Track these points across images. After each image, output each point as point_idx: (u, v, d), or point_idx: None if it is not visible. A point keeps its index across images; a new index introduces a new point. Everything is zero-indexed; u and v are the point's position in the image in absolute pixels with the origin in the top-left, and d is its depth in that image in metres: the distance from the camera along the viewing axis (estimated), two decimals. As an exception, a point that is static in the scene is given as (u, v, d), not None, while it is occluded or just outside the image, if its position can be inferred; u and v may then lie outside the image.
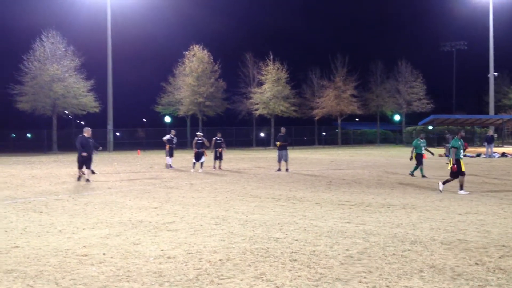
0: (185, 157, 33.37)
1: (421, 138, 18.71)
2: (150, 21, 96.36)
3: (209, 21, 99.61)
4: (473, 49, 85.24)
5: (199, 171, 21.07)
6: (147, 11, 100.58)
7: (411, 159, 18.42)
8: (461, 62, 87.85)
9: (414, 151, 18.36)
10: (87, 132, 17.00)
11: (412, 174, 18.27)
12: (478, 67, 73.73)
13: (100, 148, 22.17)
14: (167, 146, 23.57)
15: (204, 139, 21.75)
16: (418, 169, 18.20)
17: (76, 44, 54.38)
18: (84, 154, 16.53)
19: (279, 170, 20.87)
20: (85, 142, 16.68)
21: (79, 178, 17.13)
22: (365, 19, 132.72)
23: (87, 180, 16.70)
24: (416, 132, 56.63)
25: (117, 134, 65.86)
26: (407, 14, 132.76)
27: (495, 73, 61.04)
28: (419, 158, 18.18)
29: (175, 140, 23.95)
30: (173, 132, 24.12)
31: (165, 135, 24.10)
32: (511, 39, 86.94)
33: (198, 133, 22.33)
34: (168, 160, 23.78)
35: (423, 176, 17.71)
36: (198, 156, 21.34)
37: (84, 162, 16.80)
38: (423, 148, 18.40)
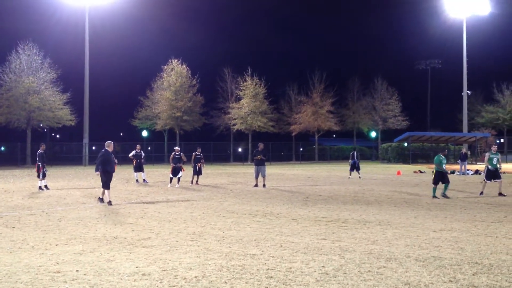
0: (162, 172, 33.14)
1: (443, 155, 17.45)
2: (129, 35, 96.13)
3: (188, 36, 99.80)
4: (447, 68, 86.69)
5: (176, 186, 20.95)
6: (125, 24, 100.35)
7: (437, 180, 16.73)
8: (436, 80, 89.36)
9: (435, 169, 16.97)
10: (109, 146, 14.82)
11: (445, 195, 16.54)
12: (452, 85, 74.92)
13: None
14: (134, 161, 23.75)
15: (181, 154, 21.71)
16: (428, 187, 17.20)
17: (53, 57, 53.81)
18: (97, 173, 14.66)
19: (256, 185, 20.86)
20: (107, 158, 14.49)
21: (101, 200, 14.72)
22: (342, 36, 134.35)
23: (109, 203, 14.22)
24: (391, 149, 57.29)
25: (93, 148, 65.11)
26: (383, 32, 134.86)
27: (469, 92, 62.16)
28: (442, 176, 16.72)
29: (142, 155, 24.09)
30: (138, 146, 24.19)
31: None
32: (485, 59, 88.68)
33: (176, 148, 22.40)
34: (135, 175, 23.91)
35: (444, 195, 16.47)
36: (175, 171, 21.24)
37: (107, 181, 14.56)
38: (444, 165, 17.02)
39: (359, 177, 27.25)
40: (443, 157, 17.18)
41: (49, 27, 70.07)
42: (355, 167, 27.81)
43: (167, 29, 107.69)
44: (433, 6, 63.39)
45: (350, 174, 28.14)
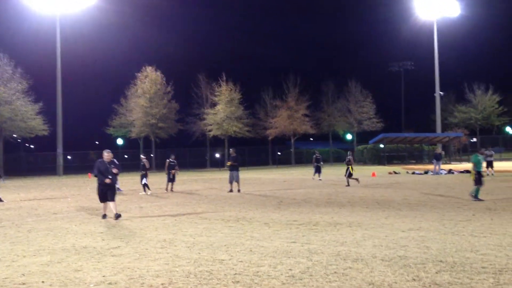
0: (137, 180, 32.88)
1: (481, 154, 16.48)
2: (101, 43, 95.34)
3: (161, 42, 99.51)
4: (420, 69, 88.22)
5: (148, 193, 20.96)
6: (97, 32, 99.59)
7: (477, 180, 15.48)
8: (409, 82, 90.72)
9: (476, 169, 15.60)
10: (106, 155, 13.34)
11: (476, 197, 15.32)
12: (425, 86, 76.25)
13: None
14: None
15: (145, 160, 21.80)
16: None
17: (24, 66, 53.17)
18: (107, 180, 12.87)
19: (231, 191, 20.88)
20: (103, 168, 13.03)
21: (104, 216, 13.00)
22: (316, 40, 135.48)
23: (117, 216, 12.72)
24: (367, 151, 57.80)
25: (69, 157, 64.37)
26: (356, 35, 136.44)
27: (441, 93, 63.21)
28: (479, 177, 15.49)
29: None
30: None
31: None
32: (456, 59, 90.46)
33: (142, 156, 22.84)
34: None
35: (476, 197, 15.34)
36: (142, 179, 21.61)
37: (105, 193, 12.99)
38: (481, 165, 15.90)
39: (319, 180, 28.04)
40: (481, 156, 16.18)
41: (20, 36, 69.48)
42: (319, 170, 28.39)
43: (140, 36, 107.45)
44: (404, 9, 64.77)
45: (314, 176, 28.91)
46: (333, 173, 37.26)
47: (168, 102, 61.67)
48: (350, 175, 23.37)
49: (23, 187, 30.36)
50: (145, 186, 21.40)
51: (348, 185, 23.03)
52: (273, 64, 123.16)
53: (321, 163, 29.30)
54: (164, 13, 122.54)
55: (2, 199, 19.29)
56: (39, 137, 55.26)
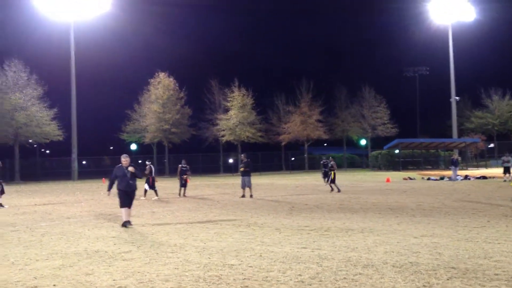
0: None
1: None
2: (114, 49, 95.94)
3: (174, 49, 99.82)
4: (435, 74, 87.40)
5: (154, 198, 20.97)
6: (111, 39, 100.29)
7: None
8: (424, 87, 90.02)
9: None
10: (123, 160, 12.49)
11: None
12: (441, 91, 75.38)
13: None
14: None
15: (148, 166, 21.68)
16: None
17: (39, 72, 53.89)
18: (107, 193, 12.77)
19: (243, 196, 20.89)
20: (119, 174, 12.31)
21: (125, 224, 12.18)
22: (328, 45, 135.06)
23: (125, 223, 12.21)
24: (381, 156, 57.47)
25: (83, 162, 64.89)
26: (370, 40, 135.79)
27: (457, 98, 62.71)
28: None
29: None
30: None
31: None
32: (472, 64, 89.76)
33: (147, 162, 22.75)
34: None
35: None
36: (151, 185, 21.57)
37: (124, 197, 12.29)
38: None
39: (325, 185, 27.74)
40: None
41: (34, 43, 70.11)
42: (327, 175, 28.20)
43: (153, 43, 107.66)
44: (418, 13, 64.03)
45: (325, 180, 28.75)
46: (347, 178, 37.10)
47: (181, 108, 61.92)
48: (333, 181, 23.56)
49: (38, 191, 30.64)
50: (145, 191, 21.43)
51: (332, 190, 23.33)
52: (286, 70, 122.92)
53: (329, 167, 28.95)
54: (176, 19, 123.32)
55: (3, 205, 19.03)
56: (54, 142, 55.85)
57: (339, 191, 22.99)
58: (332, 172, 23.61)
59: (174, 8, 76.70)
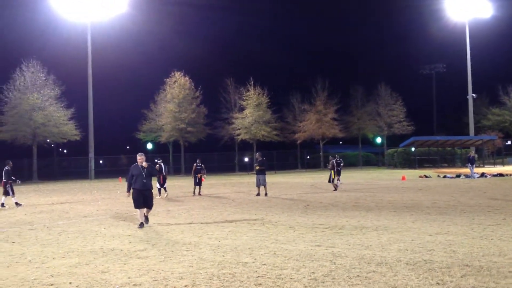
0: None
1: None
2: (131, 49, 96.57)
3: (189, 48, 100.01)
4: (451, 72, 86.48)
5: (157, 197, 20.82)
6: (127, 39, 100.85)
7: None
8: (440, 84, 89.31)
9: None
10: (139, 158, 12.23)
11: None
12: (457, 89, 74.67)
13: (19, 181, 20.90)
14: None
15: (158, 165, 21.49)
16: None
17: (57, 73, 54.46)
18: (127, 194, 12.56)
19: (258, 194, 20.94)
20: (135, 173, 12.14)
21: (141, 226, 11.98)
22: (344, 43, 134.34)
23: (141, 225, 12.02)
24: (397, 154, 57.11)
25: (100, 162, 65.45)
26: (386, 38, 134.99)
27: (474, 95, 62.08)
28: None
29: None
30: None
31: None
32: (489, 61, 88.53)
33: (156, 160, 22.97)
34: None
35: None
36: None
37: (139, 198, 12.11)
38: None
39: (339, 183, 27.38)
40: None
41: (52, 43, 70.72)
42: (339, 173, 28.04)
43: (168, 43, 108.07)
44: (435, 10, 63.44)
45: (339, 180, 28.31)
46: (362, 176, 36.97)
47: (197, 107, 62.09)
48: (333, 180, 23.73)
49: (55, 190, 31.00)
50: (159, 190, 21.56)
51: (335, 189, 23.21)
52: (301, 68, 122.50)
53: (341, 165, 28.66)
54: (192, 19, 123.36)
55: (20, 203, 19.48)
56: (72, 142, 56.39)
57: (335, 189, 23.15)
58: (332, 171, 23.85)
59: (189, 8, 76.97)
